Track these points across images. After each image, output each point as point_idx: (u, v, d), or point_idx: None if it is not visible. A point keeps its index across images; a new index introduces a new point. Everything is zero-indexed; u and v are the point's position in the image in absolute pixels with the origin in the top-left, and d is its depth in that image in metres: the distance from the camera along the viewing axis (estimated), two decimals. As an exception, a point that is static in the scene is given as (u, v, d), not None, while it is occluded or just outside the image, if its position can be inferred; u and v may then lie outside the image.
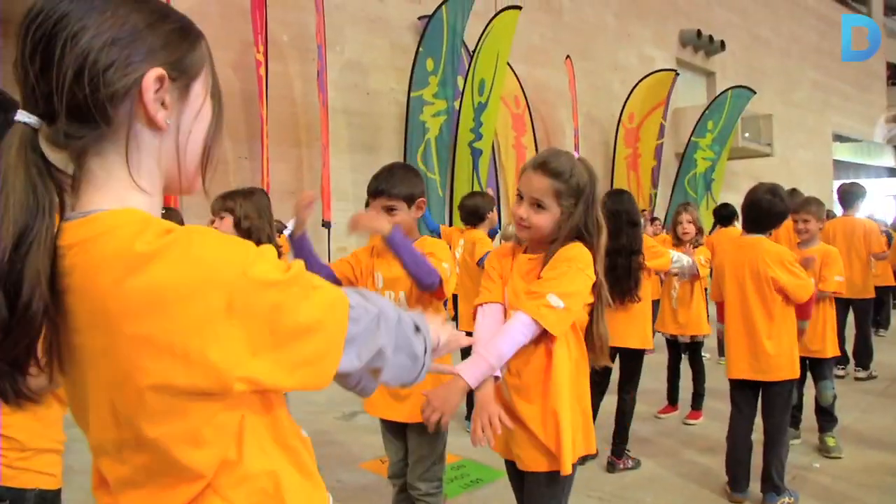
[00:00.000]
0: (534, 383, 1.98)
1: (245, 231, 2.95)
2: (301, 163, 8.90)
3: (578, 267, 1.92)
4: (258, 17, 7.69)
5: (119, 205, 0.80)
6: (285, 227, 3.60)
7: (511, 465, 2.15)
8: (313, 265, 2.47)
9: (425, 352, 1.00)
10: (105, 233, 0.76)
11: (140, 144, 0.83)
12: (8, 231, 0.73)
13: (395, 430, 2.61)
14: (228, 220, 2.95)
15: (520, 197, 2.03)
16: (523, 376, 1.99)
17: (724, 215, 6.75)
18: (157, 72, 0.81)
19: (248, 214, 2.97)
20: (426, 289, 2.37)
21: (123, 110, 0.80)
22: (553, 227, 2.00)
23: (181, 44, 0.85)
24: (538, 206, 1.98)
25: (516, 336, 1.88)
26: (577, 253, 1.96)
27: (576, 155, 2.08)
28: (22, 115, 0.78)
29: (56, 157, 0.81)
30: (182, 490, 0.81)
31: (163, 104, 0.83)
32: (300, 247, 2.51)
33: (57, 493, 1.63)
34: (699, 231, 4.83)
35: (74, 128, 0.78)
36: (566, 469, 1.93)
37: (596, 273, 1.97)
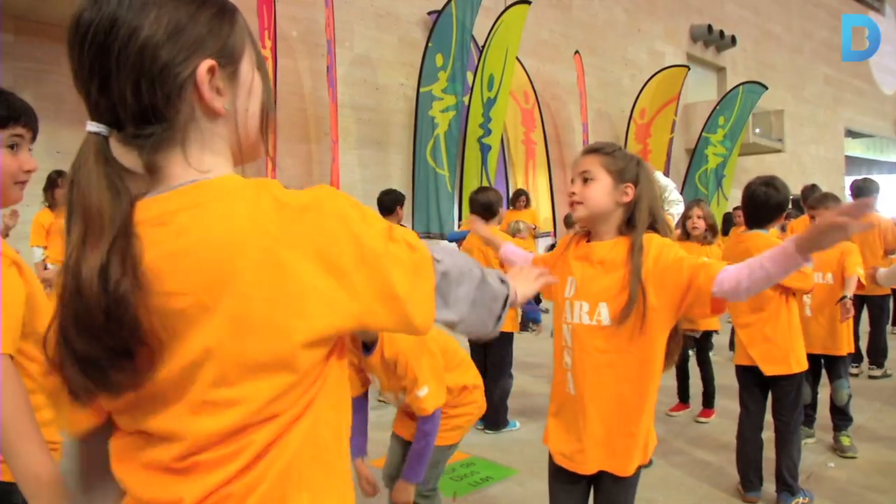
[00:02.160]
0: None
1: None
2: (310, 158, 8.89)
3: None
4: (265, 13, 7.67)
5: (220, 175, 0.85)
6: None
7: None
8: None
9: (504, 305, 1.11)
10: (226, 194, 0.82)
11: (207, 132, 0.86)
12: (98, 242, 0.76)
13: (404, 440, 2.65)
14: None
15: (573, 184, 2.03)
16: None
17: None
18: (207, 64, 0.83)
19: None
20: None
21: (184, 104, 0.83)
22: (608, 200, 1.95)
23: (222, 28, 0.87)
24: (586, 179, 1.97)
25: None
26: (676, 247, 1.91)
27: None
28: (91, 126, 0.82)
29: (131, 157, 0.84)
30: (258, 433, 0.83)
31: (218, 91, 0.86)
32: None
33: None
34: (710, 228, 4.76)
35: (142, 129, 0.82)
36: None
37: None
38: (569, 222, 8.33)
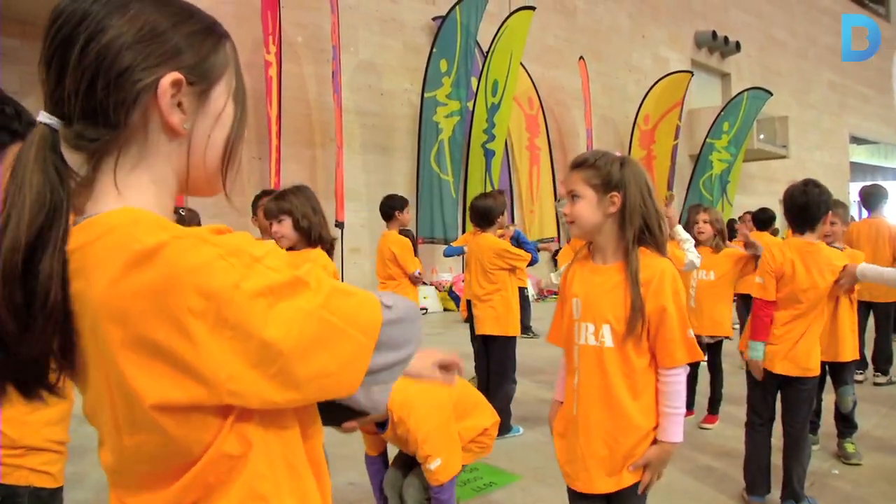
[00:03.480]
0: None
1: (305, 230, 2.91)
2: (315, 163, 8.91)
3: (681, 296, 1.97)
4: (269, 19, 7.70)
5: (120, 206, 0.78)
6: None
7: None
8: None
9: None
10: (103, 234, 0.75)
11: (156, 148, 0.82)
12: (22, 229, 0.73)
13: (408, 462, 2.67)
14: (287, 221, 2.90)
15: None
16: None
17: (762, 219, 6.65)
18: (173, 76, 0.79)
19: (306, 213, 2.93)
20: None
21: (139, 114, 0.79)
22: (595, 214, 1.97)
23: (202, 46, 0.83)
24: (573, 197, 2.01)
25: (682, 389, 1.96)
26: (670, 273, 1.96)
27: (618, 153, 2.07)
28: (43, 116, 0.78)
29: (74, 158, 0.80)
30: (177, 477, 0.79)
31: (181, 108, 0.81)
32: None
33: (54, 491, 1.62)
34: (718, 232, 4.74)
35: (89, 130, 0.78)
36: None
37: None
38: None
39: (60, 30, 0.77)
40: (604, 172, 1.96)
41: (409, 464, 2.62)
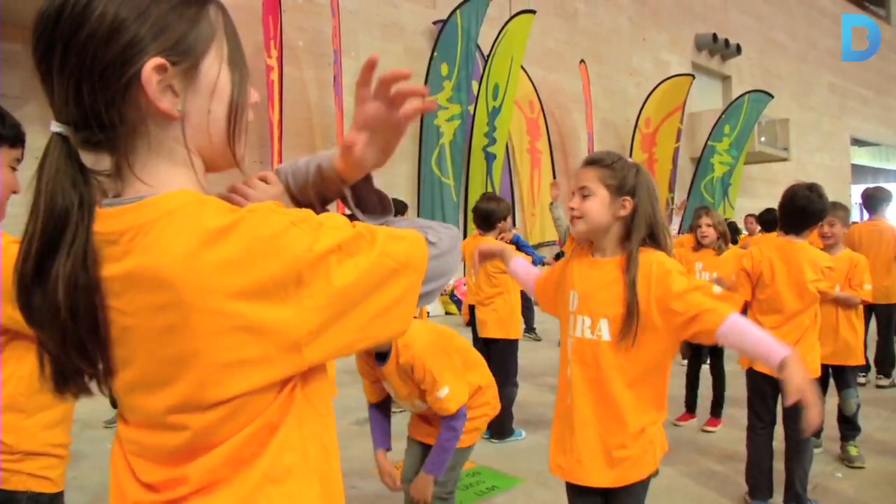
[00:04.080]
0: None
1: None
2: (316, 167, 8.93)
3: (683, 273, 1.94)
4: (270, 23, 7.72)
5: (168, 188, 0.79)
6: None
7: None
8: None
9: None
10: (165, 215, 0.75)
11: (162, 134, 0.81)
12: (35, 239, 0.75)
13: (422, 444, 2.65)
14: None
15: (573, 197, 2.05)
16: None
17: (767, 220, 6.63)
18: (154, 62, 0.77)
19: None
20: None
21: (132, 107, 0.78)
22: (605, 214, 1.97)
23: (180, 22, 0.80)
24: (585, 194, 1.99)
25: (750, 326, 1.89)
26: (672, 262, 1.95)
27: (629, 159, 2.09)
28: (54, 126, 0.78)
29: (94, 158, 0.81)
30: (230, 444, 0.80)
31: (173, 91, 0.79)
32: None
33: (54, 496, 1.62)
34: (721, 235, 4.75)
35: (94, 132, 0.78)
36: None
37: None
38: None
39: (40, 38, 0.77)
40: (620, 175, 1.98)
41: (424, 458, 2.62)
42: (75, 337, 0.76)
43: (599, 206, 1.97)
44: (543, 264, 5.96)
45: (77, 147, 0.78)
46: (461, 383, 2.45)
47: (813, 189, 3.22)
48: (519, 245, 5.25)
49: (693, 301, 1.84)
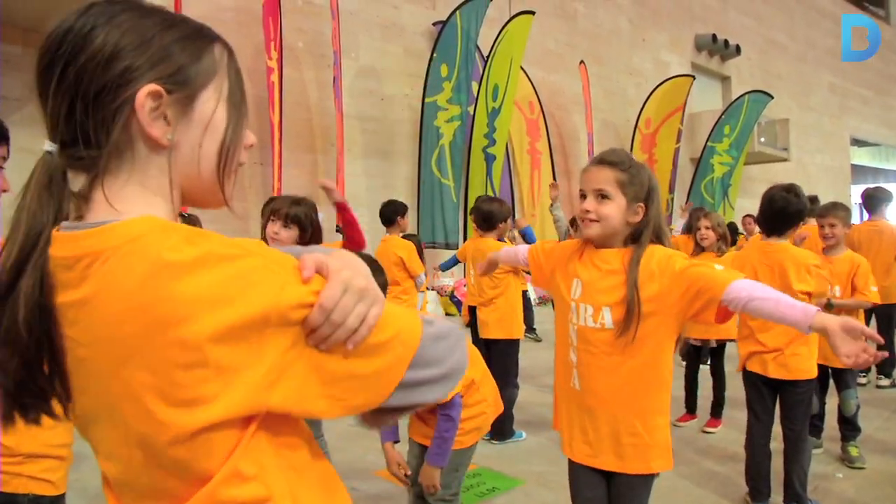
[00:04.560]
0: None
1: (307, 242, 2.89)
2: (316, 168, 8.92)
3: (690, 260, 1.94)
4: (271, 24, 7.72)
5: (134, 215, 0.77)
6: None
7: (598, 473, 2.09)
8: None
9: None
10: (126, 243, 0.73)
11: (145, 161, 0.80)
12: (12, 256, 0.74)
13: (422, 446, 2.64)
14: (294, 231, 2.87)
15: (582, 197, 2.02)
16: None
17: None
18: (149, 88, 0.77)
19: (314, 231, 2.94)
20: None
21: (122, 130, 0.78)
22: (621, 220, 1.96)
23: (180, 55, 0.81)
24: (602, 196, 1.96)
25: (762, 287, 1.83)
26: (661, 250, 1.96)
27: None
28: (46, 145, 0.79)
29: (77, 181, 0.81)
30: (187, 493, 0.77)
31: (166, 119, 0.79)
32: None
33: (55, 499, 1.62)
34: (721, 237, 4.75)
35: (79, 150, 0.78)
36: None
37: None
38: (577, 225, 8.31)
39: (43, 57, 0.78)
40: (638, 181, 1.97)
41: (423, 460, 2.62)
42: (36, 359, 0.75)
43: (616, 211, 1.95)
44: None
45: (61, 166, 0.78)
46: None
47: (790, 190, 3.23)
48: (527, 237, 5.25)
49: (695, 273, 1.85)
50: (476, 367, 2.72)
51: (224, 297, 0.70)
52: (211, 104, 0.83)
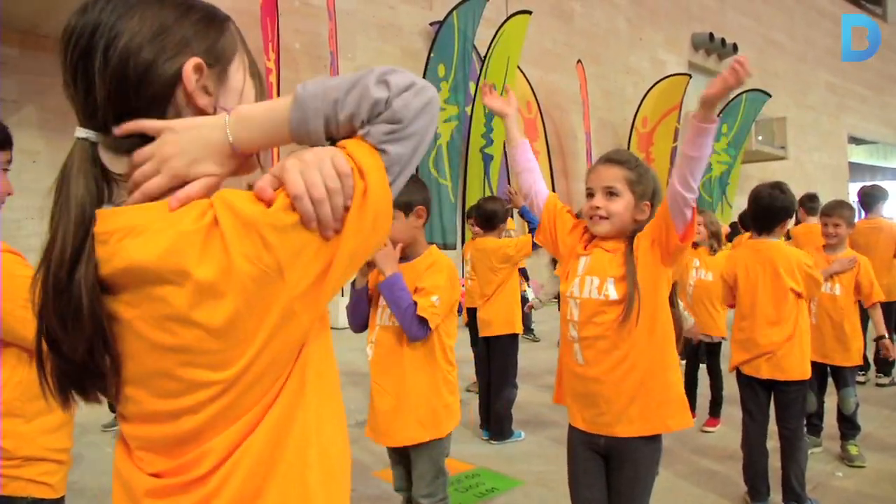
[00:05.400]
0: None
1: None
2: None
3: None
4: (268, 26, 7.71)
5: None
6: None
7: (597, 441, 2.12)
8: None
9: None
10: (157, 219, 0.77)
11: None
12: (67, 245, 0.77)
13: (396, 448, 2.61)
14: None
15: (590, 195, 2.06)
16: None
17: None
18: (194, 61, 0.82)
19: None
20: (412, 340, 2.36)
21: (171, 105, 0.83)
22: (629, 217, 2.02)
23: (209, 31, 0.86)
24: (611, 193, 2.01)
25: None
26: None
27: None
28: (79, 132, 0.82)
29: (120, 164, 0.83)
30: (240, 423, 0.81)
31: (206, 91, 0.84)
32: None
33: (54, 502, 1.62)
34: (714, 235, 4.77)
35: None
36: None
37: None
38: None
39: (77, 44, 0.80)
40: (644, 180, 2.03)
41: (408, 466, 2.60)
42: (99, 341, 0.78)
43: (625, 208, 2.01)
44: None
45: (109, 149, 0.82)
46: (446, 312, 2.43)
47: (776, 186, 3.25)
48: (526, 216, 5.23)
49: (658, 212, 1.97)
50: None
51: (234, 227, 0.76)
52: (240, 75, 0.90)
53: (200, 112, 0.84)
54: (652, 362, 2.01)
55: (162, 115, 0.82)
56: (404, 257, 2.45)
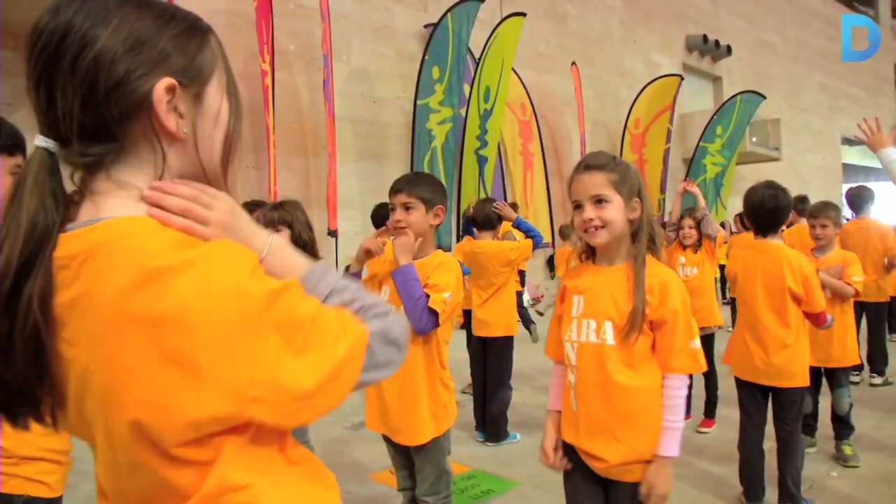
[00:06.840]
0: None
1: (303, 244, 2.90)
2: (308, 171, 8.90)
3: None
4: (263, 28, 7.70)
5: (131, 212, 0.77)
6: None
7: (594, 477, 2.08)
8: None
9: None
10: (114, 240, 0.72)
11: (157, 154, 0.80)
12: (14, 256, 0.71)
13: (398, 445, 2.60)
14: (286, 233, 2.86)
15: (577, 207, 1.98)
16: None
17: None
18: (166, 82, 0.77)
19: (304, 229, 2.95)
20: (418, 333, 2.34)
21: (138, 123, 0.77)
22: (623, 220, 1.95)
23: (188, 46, 0.81)
24: (600, 201, 1.93)
25: (682, 402, 1.94)
26: (677, 283, 2.00)
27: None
28: (39, 140, 0.77)
29: (78, 174, 0.79)
30: None
31: (178, 113, 0.79)
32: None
33: (51, 501, 1.61)
34: (705, 237, 4.82)
35: (88, 146, 0.76)
36: None
37: None
38: (565, 234, 8.30)
39: (45, 48, 0.74)
40: (627, 178, 1.96)
41: (411, 465, 2.60)
42: (36, 368, 0.73)
43: (618, 212, 1.93)
44: (542, 246, 5.93)
45: (67, 161, 0.77)
46: (453, 309, 2.44)
47: (774, 187, 3.25)
48: (522, 228, 5.25)
49: (672, 322, 1.94)
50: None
51: (202, 306, 0.71)
52: (217, 97, 0.85)
53: (167, 135, 0.79)
54: (646, 410, 1.95)
55: (126, 134, 0.77)
56: (414, 255, 2.45)
